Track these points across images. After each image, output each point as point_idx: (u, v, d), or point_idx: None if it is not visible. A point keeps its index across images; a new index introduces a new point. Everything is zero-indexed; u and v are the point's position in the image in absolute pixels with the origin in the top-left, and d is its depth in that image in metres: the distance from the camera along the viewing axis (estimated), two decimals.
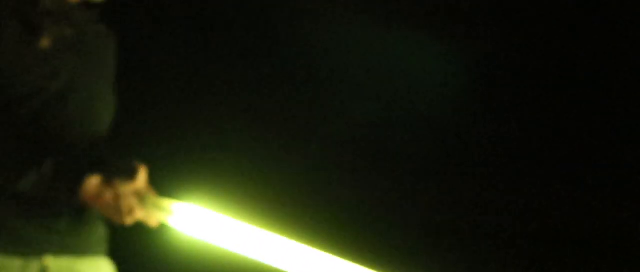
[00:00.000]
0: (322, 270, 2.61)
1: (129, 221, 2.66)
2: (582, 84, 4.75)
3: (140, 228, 2.83)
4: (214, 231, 2.68)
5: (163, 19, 4.40)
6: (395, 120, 4.70)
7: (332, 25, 4.56)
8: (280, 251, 2.65)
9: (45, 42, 2.73)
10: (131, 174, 2.70)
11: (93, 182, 2.64)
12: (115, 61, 2.94)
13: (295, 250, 2.63)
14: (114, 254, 2.92)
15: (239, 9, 4.47)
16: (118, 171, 2.69)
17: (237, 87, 4.46)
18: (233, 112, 4.41)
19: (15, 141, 2.66)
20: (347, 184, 4.57)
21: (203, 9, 4.46)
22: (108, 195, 2.64)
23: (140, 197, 2.67)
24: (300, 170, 4.43)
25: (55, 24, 2.74)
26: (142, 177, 2.70)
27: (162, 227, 2.72)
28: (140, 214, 2.67)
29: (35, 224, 2.71)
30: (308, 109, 4.54)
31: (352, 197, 4.55)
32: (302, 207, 4.21)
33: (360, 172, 4.66)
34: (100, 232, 2.85)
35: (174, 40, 4.38)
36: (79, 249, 2.79)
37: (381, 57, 4.70)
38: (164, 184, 2.80)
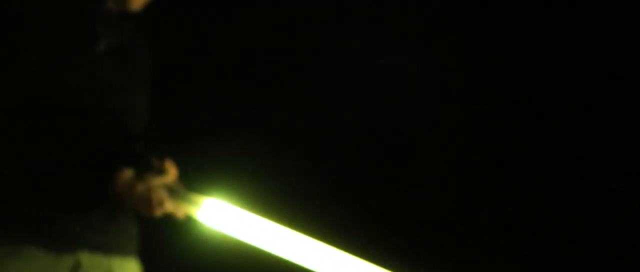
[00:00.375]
0: (345, 269, 2.68)
1: (157, 213, 2.75)
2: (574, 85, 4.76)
3: (167, 227, 2.90)
4: (240, 227, 2.75)
5: (181, 23, 4.47)
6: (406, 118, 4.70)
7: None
8: (300, 249, 2.72)
9: (100, 47, 2.86)
10: (162, 169, 2.80)
11: (126, 174, 2.75)
12: (150, 69, 3.08)
13: (318, 249, 2.71)
14: (142, 254, 2.99)
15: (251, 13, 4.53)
16: (149, 165, 2.79)
17: (271, 87, 4.51)
18: (268, 112, 4.47)
19: (57, 134, 2.76)
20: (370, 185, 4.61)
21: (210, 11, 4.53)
22: (140, 188, 2.73)
23: (170, 190, 2.76)
24: (323, 171, 4.49)
25: (109, 32, 2.87)
26: (172, 171, 2.80)
27: (189, 220, 2.80)
28: (169, 207, 2.76)
29: (72, 220, 2.79)
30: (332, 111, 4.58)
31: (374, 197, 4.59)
32: (331, 208, 4.28)
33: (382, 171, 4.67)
34: (132, 232, 2.94)
35: (201, 45, 4.46)
36: (111, 247, 2.87)
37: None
38: (194, 180, 2.88)
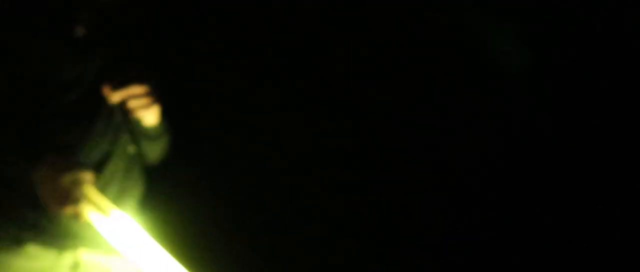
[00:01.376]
0: None
1: (68, 210, 2.75)
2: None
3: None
4: (131, 246, 2.88)
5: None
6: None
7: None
8: None
9: (79, 32, 3.00)
10: (83, 167, 2.87)
11: (52, 162, 2.76)
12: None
13: None
14: None
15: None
16: (75, 162, 2.85)
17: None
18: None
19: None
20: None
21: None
22: (65, 180, 2.74)
23: (82, 190, 2.82)
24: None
25: (90, 19, 3.05)
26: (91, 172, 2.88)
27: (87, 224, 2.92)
28: (79, 207, 2.78)
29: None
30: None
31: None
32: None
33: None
34: None
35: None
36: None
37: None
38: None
